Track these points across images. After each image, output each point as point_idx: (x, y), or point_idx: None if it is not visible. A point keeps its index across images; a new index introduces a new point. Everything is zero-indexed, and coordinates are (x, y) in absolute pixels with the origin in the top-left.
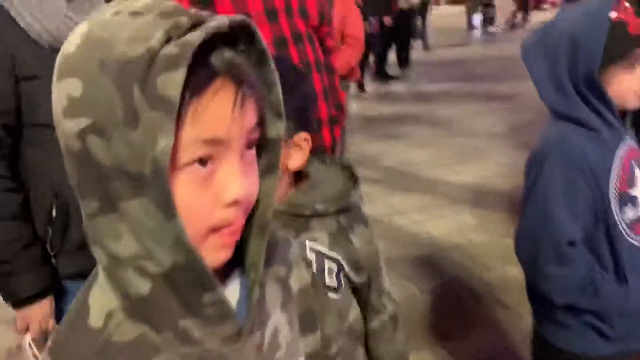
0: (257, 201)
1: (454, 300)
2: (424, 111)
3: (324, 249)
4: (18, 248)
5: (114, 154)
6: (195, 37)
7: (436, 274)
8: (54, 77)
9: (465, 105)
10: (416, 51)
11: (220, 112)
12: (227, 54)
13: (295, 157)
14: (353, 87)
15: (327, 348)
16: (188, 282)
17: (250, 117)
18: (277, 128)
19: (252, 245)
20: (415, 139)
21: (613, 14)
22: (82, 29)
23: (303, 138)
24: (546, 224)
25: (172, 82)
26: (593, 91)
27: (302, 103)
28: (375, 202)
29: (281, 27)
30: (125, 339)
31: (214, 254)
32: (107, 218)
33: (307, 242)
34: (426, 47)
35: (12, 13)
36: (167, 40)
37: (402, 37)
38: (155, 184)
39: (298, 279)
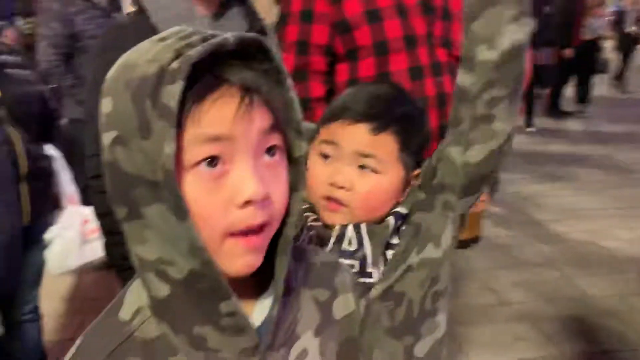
0: (284, 217)
1: None
2: (600, 153)
3: None
4: None
5: (134, 163)
6: (194, 52)
7: (584, 339)
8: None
9: None
10: (600, 87)
11: (222, 113)
12: (237, 66)
13: (404, 193)
14: (520, 121)
15: None
16: (204, 289)
17: (261, 121)
18: (300, 147)
19: (276, 264)
20: (584, 183)
21: None
22: (122, 56)
23: (415, 175)
24: None
25: (172, 93)
26: None
27: (426, 141)
28: (525, 247)
29: (418, 55)
30: (147, 336)
31: (233, 260)
32: (134, 224)
33: None
34: (622, 88)
35: (153, 20)
36: (177, 57)
37: (583, 70)
38: (166, 188)
39: (343, 306)
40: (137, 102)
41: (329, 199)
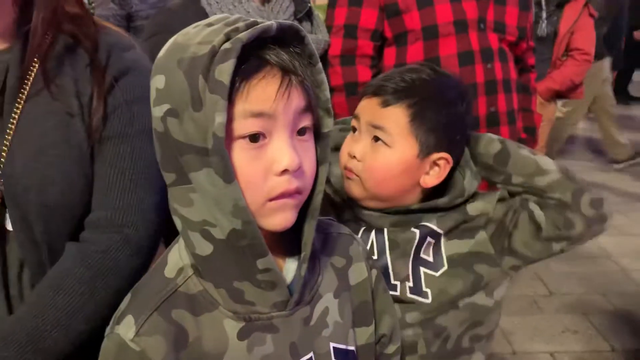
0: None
1: None
2: None
3: None
4: None
5: (185, 132)
6: (245, 35)
7: (636, 335)
8: (150, 78)
9: None
10: None
11: (266, 91)
12: (277, 49)
13: (431, 173)
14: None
15: (383, 346)
16: (244, 247)
17: (298, 101)
18: (327, 124)
19: (305, 227)
20: None
21: None
22: (171, 39)
23: (443, 158)
24: None
25: (225, 70)
26: None
27: (451, 122)
28: None
29: (469, 40)
30: (190, 291)
31: (271, 217)
32: (181, 188)
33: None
34: None
35: (207, 10)
36: (226, 40)
37: None
38: (216, 154)
39: (357, 273)
40: (190, 78)
41: (346, 168)
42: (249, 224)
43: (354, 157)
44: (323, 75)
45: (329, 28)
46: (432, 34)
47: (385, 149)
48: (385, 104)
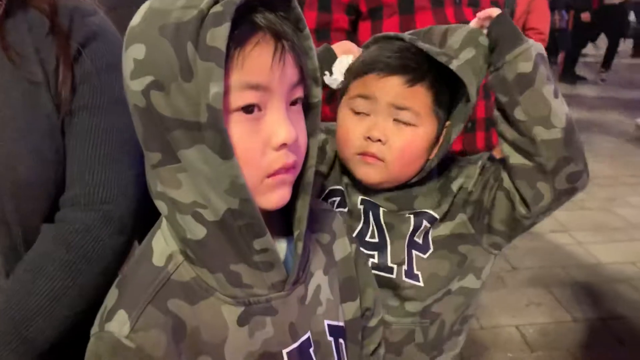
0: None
1: (610, 338)
2: (615, 120)
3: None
4: None
5: (173, 106)
6: None
7: (596, 304)
8: (123, 49)
9: None
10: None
11: (262, 60)
12: (268, 14)
13: (434, 150)
14: None
15: (367, 319)
16: (240, 228)
17: (292, 72)
18: (316, 93)
19: (298, 203)
20: (599, 150)
21: None
22: (144, 5)
23: (447, 126)
24: None
25: (219, 35)
26: None
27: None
28: None
29: (445, 15)
30: (182, 279)
31: (269, 194)
32: (168, 168)
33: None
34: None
35: None
36: (215, 3)
37: (611, 34)
38: (211, 128)
39: (341, 248)
40: (177, 46)
41: (364, 154)
42: (248, 202)
43: (378, 140)
44: (311, 42)
45: (302, 1)
46: (408, 8)
47: (412, 130)
48: (411, 83)
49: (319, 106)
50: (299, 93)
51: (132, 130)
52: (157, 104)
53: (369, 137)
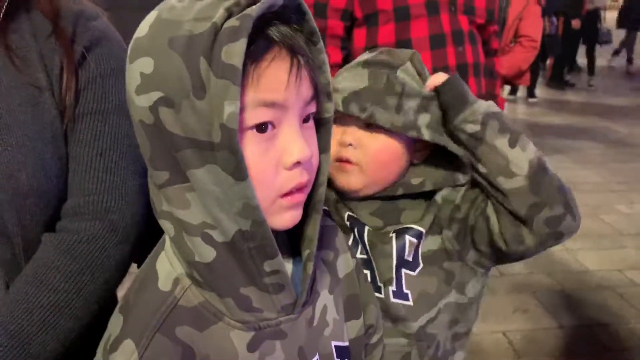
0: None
1: (596, 344)
2: (601, 126)
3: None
4: None
5: (184, 124)
6: (254, 10)
7: (581, 310)
8: (127, 61)
9: None
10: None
11: (278, 76)
12: (282, 27)
13: (420, 148)
14: (522, 90)
15: (370, 336)
16: (250, 249)
17: (306, 87)
18: (328, 108)
19: (308, 222)
20: (586, 157)
21: None
22: (151, 16)
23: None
24: None
25: (235, 51)
26: None
27: None
28: None
29: (441, 22)
30: (190, 304)
31: (281, 215)
32: (177, 187)
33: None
34: (629, 60)
35: None
36: (229, 16)
37: (587, 41)
38: (224, 149)
39: (344, 265)
40: (188, 60)
41: (339, 160)
42: (260, 224)
43: (349, 144)
44: (324, 55)
45: None
46: (404, 15)
47: (387, 133)
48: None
49: (330, 121)
50: (312, 109)
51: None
52: (166, 121)
53: (341, 143)
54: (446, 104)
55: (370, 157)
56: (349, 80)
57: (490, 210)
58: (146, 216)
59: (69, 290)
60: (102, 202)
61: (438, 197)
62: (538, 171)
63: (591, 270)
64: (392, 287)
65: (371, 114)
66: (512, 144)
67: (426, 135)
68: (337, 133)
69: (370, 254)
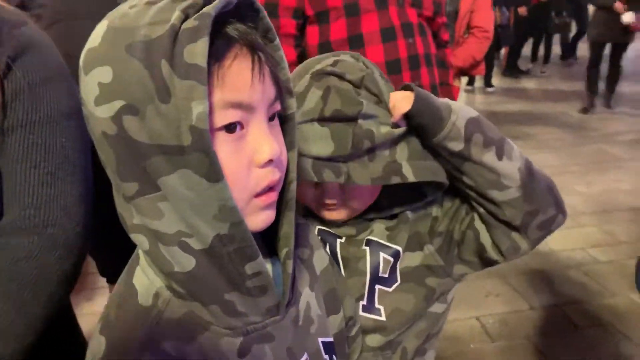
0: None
1: (566, 322)
2: (557, 111)
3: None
4: None
5: (150, 130)
6: (210, 9)
7: (550, 291)
8: (81, 73)
9: (607, 108)
10: (555, 47)
11: (241, 75)
12: (239, 25)
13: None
14: (479, 81)
15: (350, 329)
16: (230, 253)
17: (269, 85)
18: (291, 105)
19: (283, 220)
20: (543, 141)
21: None
22: (103, 24)
23: None
24: None
25: (198, 51)
26: None
27: None
28: None
29: (390, 16)
30: (175, 316)
31: (255, 215)
32: (148, 198)
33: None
34: (564, 54)
35: None
36: (186, 18)
37: (537, 31)
38: (196, 151)
39: (320, 261)
40: (149, 65)
41: (325, 204)
42: (239, 225)
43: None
44: (282, 52)
45: None
46: (354, 11)
47: None
48: None
49: (294, 118)
50: (277, 107)
51: (73, 147)
52: (131, 129)
53: (324, 205)
54: (421, 127)
55: (353, 199)
56: (311, 143)
57: (478, 224)
58: (90, 227)
59: (8, 310)
60: (39, 216)
61: (408, 212)
62: (528, 178)
63: (556, 251)
64: (363, 302)
65: (348, 176)
66: (500, 156)
67: (410, 176)
68: (316, 195)
69: (343, 270)
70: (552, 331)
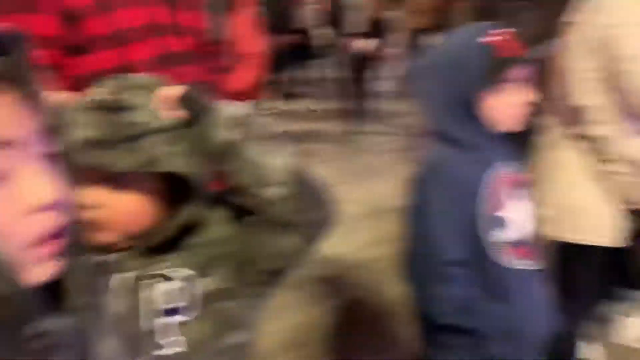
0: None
1: (358, 319)
2: (326, 129)
3: None
4: None
5: None
6: None
7: (338, 294)
8: None
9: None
10: (322, 70)
11: (1, 113)
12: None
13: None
14: (259, 104)
15: None
16: (5, 317)
17: (34, 120)
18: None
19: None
20: (321, 156)
21: (483, 39)
22: None
23: None
24: (427, 244)
25: None
26: (469, 114)
27: None
28: None
29: (164, 43)
30: None
31: (34, 269)
32: None
33: None
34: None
35: None
36: None
37: (298, 57)
38: None
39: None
40: None
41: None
42: (12, 283)
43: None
44: (39, 85)
45: None
46: (123, 40)
47: (126, 181)
48: None
49: (65, 154)
50: (49, 143)
51: None
52: None
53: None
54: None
55: (116, 215)
56: (79, 127)
57: (255, 240)
58: None
59: None
60: None
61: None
62: (295, 176)
63: (333, 255)
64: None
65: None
66: (266, 152)
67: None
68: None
69: (131, 304)
70: (347, 332)
